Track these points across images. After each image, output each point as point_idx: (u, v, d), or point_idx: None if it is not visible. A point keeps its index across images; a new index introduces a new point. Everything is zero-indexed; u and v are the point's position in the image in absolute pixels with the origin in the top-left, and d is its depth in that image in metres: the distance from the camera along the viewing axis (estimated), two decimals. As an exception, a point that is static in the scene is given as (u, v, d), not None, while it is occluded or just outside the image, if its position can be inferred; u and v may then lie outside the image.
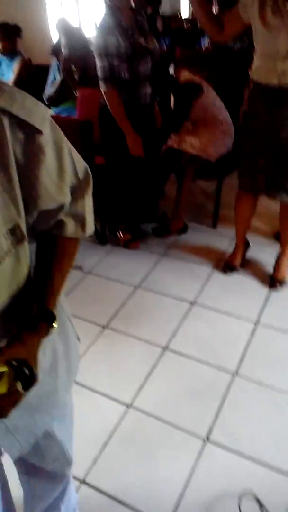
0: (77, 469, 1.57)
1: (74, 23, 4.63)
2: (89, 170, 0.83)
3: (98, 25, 2.24)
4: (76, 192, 0.80)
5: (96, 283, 2.57)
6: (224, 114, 2.88)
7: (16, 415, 0.82)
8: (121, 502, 1.49)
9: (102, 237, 2.91)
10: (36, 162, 0.68)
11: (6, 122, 0.63)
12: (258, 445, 1.64)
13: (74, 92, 3.20)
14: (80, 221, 0.83)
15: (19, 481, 1.21)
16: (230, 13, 2.02)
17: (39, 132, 0.66)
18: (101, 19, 2.24)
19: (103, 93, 2.33)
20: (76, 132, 2.49)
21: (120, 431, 1.72)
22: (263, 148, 2.12)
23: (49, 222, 0.79)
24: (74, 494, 1.34)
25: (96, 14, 6.09)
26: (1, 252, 0.68)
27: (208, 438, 1.68)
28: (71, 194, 0.79)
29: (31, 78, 3.65)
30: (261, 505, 1.46)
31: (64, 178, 0.75)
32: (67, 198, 0.78)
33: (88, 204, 0.84)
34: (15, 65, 3.64)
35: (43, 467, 1.11)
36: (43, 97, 3.37)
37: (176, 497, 1.50)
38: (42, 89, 3.35)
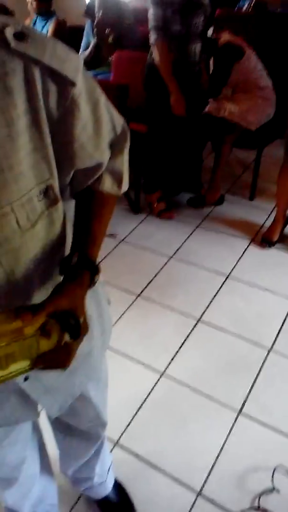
0: (111, 431, 1.60)
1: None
2: (126, 125, 0.79)
3: None
4: (114, 147, 0.77)
5: (130, 251, 2.55)
6: (266, 79, 2.73)
7: (53, 376, 0.83)
8: (153, 465, 1.51)
9: (136, 206, 2.87)
10: (70, 116, 0.63)
11: (37, 73, 0.58)
12: (292, 421, 1.62)
13: (109, 57, 3.10)
14: (117, 177, 0.81)
15: (54, 440, 1.23)
16: None
17: (73, 84, 0.61)
18: None
19: (152, 44, 2.27)
20: (111, 95, 2.42)
21: (153, 398, 1.73)
22: None
23: (87, 181, 0.76)
24: (109, 456, 1.36)
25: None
26: (34, 215, 0.65)
27: (241, 411, 1.67)
28: (109, 150, 0.75)
29: (65, 40, 3.54)
30: (294, 479, 1.45)
31: (101, 134, 0.70)
32: (105, 156, 0.74)
33: (125, 160, 0.81)
34: (50, 26, 3.54)
35: (78, 427, 1.13)
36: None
37: (209, 467, 1.50)
38: (77, 51, 3.26)
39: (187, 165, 2.74)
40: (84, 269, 0.73)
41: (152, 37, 2.26)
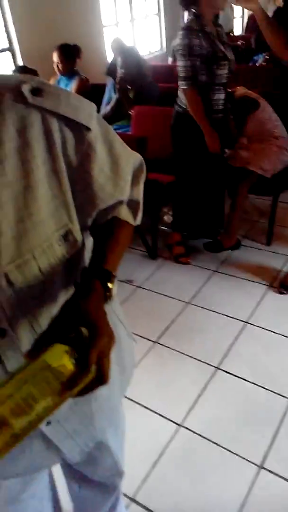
0: (127, 487, 1.55)
1: (128, 43, 4.78)
2: (142, 158, 0.82)
3: (182, 27, 2.37)
4: (132, 179, 0.79)
5: (147, 297, 2.56)
6: (280, 129, 2.83)
7: (76, 420, 0.83)
8: (171, 525, 1.44)
9: (153, 252, 2.91)
10: (88, 161, 0.66)
11: (54, 123, 0.62)
12: None
13: (129, 111, 3.27)
14: (134, 207, 0.82)
15: (69, 495, 1.20)
16: None
17: (88, 129, 0.65)
18: (185, 23, 2.41)
19: (184, 93, 2.40)
20: (131, 147, 2.55)
21: (171, 451, 1.67)
22: None
23: (108, 216, 0.77)
24: (124, 510, 1.31)
25: (150, 34, 6.25)
26: (55, 259, 0.66)
27: (263, 465, 1.59)
28: (129, 186, 0.78)
29: (87, 97, 3.75)
30: None
31: (118, 172, 0.73)
32: (125, 193, 0.76)
33: (141, 191, 0.83)
34: (73, 85, 3.76)
35: (94, 477, 1.10)
36: (99, 116, 3.47)
37: (229, 526, 1.43)
38: (98, 107, 3.46)
39: (212, 209, 2.81)
40: (94, 278, 0.67)
41: (183, 87, 2.39)
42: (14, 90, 0.61)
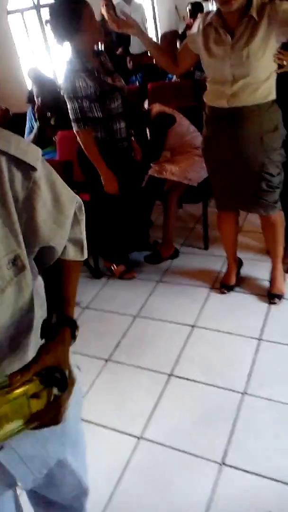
0: (93, 506, 1.53)
1: (46, 71, 4.83)
2: (80, 199, 0.92)
3: (65, 70, 2.30)
4: (73, 219, 0.89)
5: (95, 317, 2.57)
6: (199, 139, 2.97)
7: (27, 444, 0.85)
8: (142, 540, 1.44)
9: (97, 272, 2.93)
10: (33, 196, 0.74)
11: (3, 162, 0.69)
12: (275, 463, 1.60)
13: (53, 137, 3.30)
14: (79, 245, 0.94)
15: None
16: (182, 47, 2.18)
17: (34, 169, 0.73)
18: (66, 63, 2.31)
19: (76, 133, 2.37)
20: (58, 172, 2.56)
21: (133, 465, 1.68)
22: (225, 168, 2.19)
23: (54, 257, 0.88)
24: None
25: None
26: (3, 281, 0.72)
27: (223, 462, 1.64)
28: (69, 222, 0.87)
29: (9, 127, 3.75)
30: (286, 525, 1.41)
31: (60, 207, 0.82)
32: (64, 227, 0.85)
33: (83, 229, 0.95)
34: (-7, 115, 3.74)
35: (58, 500, 1.09)
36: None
37: (198, 528, 1.45)
38: (22, 136, 3.46)
39: (134, 228, 2.82)
40: (64, 326, 0.84)
41: (74, 128, 2.35)
42: None
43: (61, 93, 2.38)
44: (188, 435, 1.76)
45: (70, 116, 2.33)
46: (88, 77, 2.24)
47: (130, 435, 1.80)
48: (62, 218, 0.83)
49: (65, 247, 0.89)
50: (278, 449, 1.66)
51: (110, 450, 1.74)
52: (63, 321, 0.85)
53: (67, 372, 0.76)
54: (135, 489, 1.59)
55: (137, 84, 4.83)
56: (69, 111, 2.32)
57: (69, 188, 0.87)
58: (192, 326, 2.36)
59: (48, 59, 5.94)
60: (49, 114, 3.24)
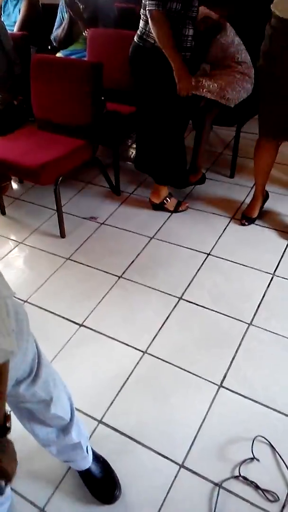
0: (95, 410, 1.63)
1: None
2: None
3: None
4: None
5: (111, 233, 2.55)
6: (244, 54, 2.70)
7: None
8: (136, 441, 1.55)
9: (116, 188, 2.85)
10: None
11: None
12: (271, 393, 1.66)
13: (84, 33, 3.02)
14: None
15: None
16: None
17: None
18: None
19: (150, 16, 2.02)
20: (86, 74, 2.36)
21: (136, 376, 1.75)
22: (284, 90, 2.00)
23: None
24: (83, 425, 1.34)
25: None
26: None
27: (222, 384, 1.71)
28: None
29: (38, 19, 3.45)
30: (273, 449, 1.49)
31: None
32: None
33: None
34: (22, 5, 3.43)
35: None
36: (51, 39, 3.20)
37: (190, 439, 1.54)
38: (51, 30, 3.18)
39: (173, 152, 2.55)
40: None
41: (150, 7, 1.98)
42: None
43: None
44: (191, 356, 1.82)
45: None
46: None
47: (135, 348, 1.86)
48: None
49: None
50: (276, 380, 1.71)
51: (116, 360, 1.82)
52: None
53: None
54: (134, 399, 1.68)
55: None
56: None
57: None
58: (208, 254, 2.34)
59: None
60: (80, 4, 2.93)
